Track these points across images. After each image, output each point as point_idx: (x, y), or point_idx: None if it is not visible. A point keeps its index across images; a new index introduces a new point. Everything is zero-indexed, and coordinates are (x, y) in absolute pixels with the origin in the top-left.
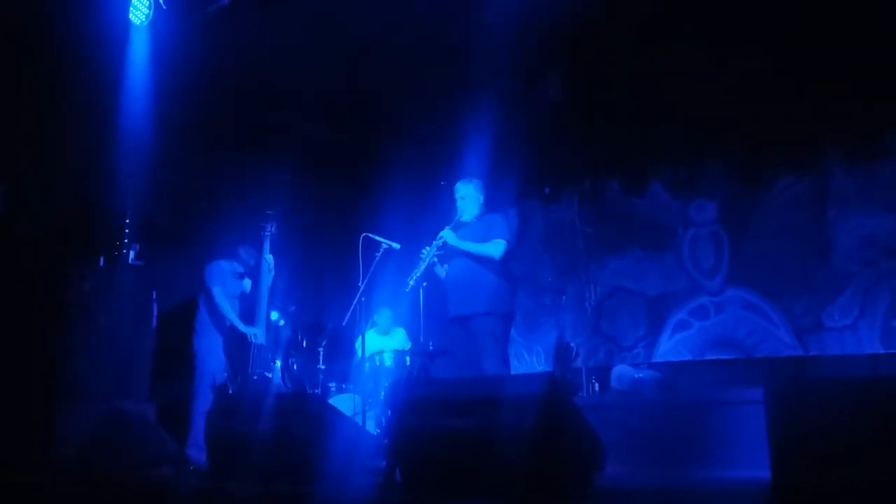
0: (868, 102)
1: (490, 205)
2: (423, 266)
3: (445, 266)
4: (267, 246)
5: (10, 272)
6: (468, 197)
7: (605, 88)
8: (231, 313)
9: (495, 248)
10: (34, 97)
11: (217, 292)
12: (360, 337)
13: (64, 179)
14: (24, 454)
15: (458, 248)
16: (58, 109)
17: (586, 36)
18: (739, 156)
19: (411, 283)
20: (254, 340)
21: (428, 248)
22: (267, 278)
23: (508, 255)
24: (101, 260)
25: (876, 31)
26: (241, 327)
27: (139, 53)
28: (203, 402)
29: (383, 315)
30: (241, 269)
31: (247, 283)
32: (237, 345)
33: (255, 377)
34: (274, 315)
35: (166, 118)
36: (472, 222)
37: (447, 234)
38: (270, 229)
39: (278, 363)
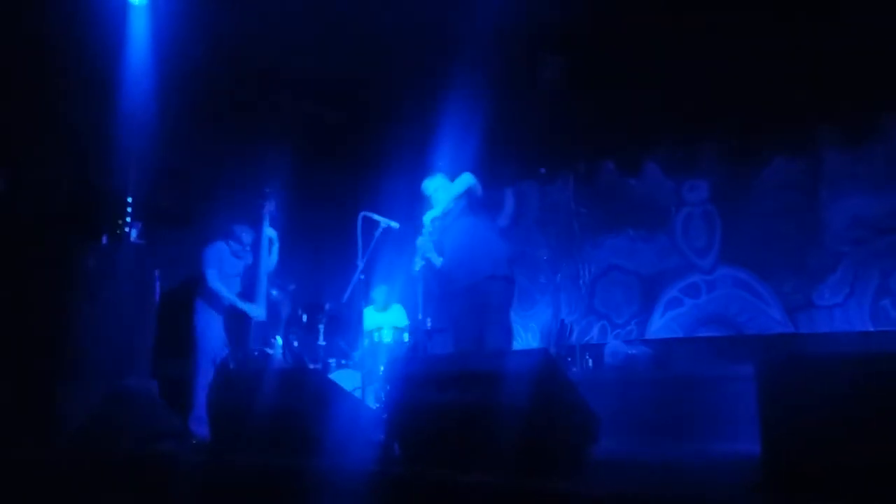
0: (861, 83)
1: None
2: (421, 254)
3: (440, 258)
4: (267, 223)
5: (14, 251)
6: (441, 188)
7: (602, 70)
8: (227, 294)
9: (463, 180)
10: (34, 78)
11: (211, 276)
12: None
13: (65, 159)
14: (29, 432)
15: (447, 216)
16: (58, 90)
17: (583, 18)
18: (733, 136)
19: (417, 266)
20: (254, 316)
21: (421, 237)
22: (266, 255)
23: (479, 185)
24: (104, 238)
25: (869, 12)
26: (240, 305)
27: (138, 34)
28: (205, 377)
29: (380, 292)
30: (237, 248)
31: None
32: (238, 322)
33: (256, 353)
34: (274, 293)
35: (166, 97)
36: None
37: (428, 216)
38: (269, 207)
39: (279, 339)
